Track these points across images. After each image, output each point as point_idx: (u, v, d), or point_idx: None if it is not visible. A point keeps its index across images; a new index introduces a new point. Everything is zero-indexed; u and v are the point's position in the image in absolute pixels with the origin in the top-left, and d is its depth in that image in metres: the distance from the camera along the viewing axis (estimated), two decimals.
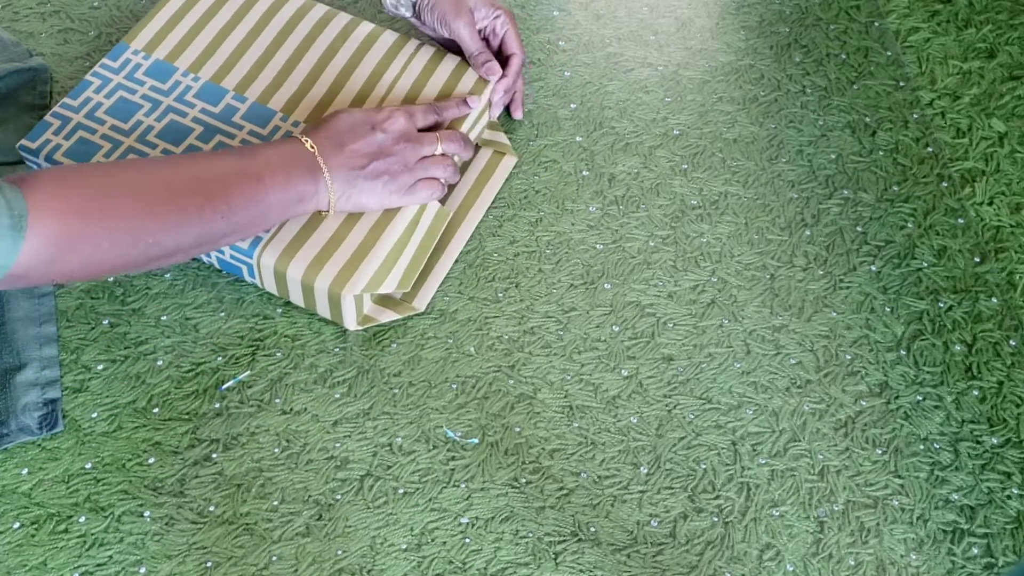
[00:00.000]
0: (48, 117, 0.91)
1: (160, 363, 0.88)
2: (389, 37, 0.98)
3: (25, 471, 0.83)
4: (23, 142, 0.90)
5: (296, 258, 0.85)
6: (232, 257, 0.87)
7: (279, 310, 0.90)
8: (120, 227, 0.73)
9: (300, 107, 0.93)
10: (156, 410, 0.86)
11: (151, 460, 0.83)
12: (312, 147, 0.83)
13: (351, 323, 0.88)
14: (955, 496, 0.84)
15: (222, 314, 0.90)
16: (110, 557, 0.79)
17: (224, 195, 0.77)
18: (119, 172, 0.76)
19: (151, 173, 0.76)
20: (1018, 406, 0.89)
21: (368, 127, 0.85)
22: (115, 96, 0.92)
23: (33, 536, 0.80)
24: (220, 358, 0.88)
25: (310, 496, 0.82)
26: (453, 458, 0.84)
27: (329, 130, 0.85)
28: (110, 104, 0.92)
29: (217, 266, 0.90)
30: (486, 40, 0.98)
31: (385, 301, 0.91)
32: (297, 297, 0.88)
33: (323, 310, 0.88)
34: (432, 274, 0.92)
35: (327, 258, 0.85)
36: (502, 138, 1.00)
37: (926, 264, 0.96)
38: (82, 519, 0.81)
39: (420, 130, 0.89)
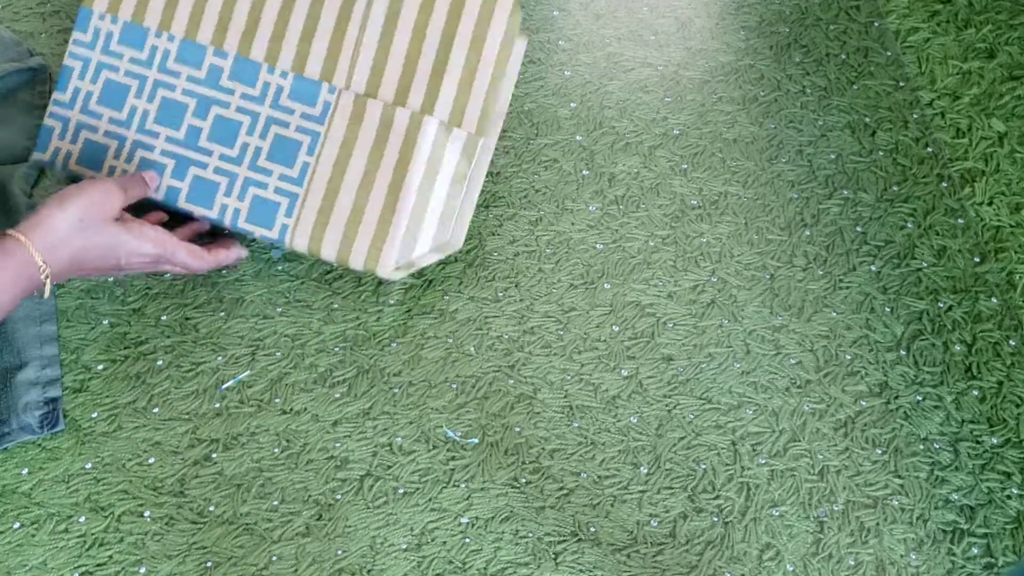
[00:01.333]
0: (47, 120, 0.90)
1: (160, 363, 0.88)
2: None
3: (25, 471, 0.83)
4: (36, 155, 0.90)
5: (326, 241, 0.87)
6: (262, 237, 0.88)
7: (279, 310, 0.90)
8: None
9: (283, 53, 0.90)
10: (156, 410, 0.86)
11: (151, 460, 0.83)
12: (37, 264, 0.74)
13: (388, 273, 0.88)
14: (955, 496, 0.84)
15: (222, 314, 0.90)
16: (110, 557, 0.79)
17: None
18: None
19: None
20: (1018, 406, 0.89)
21: (114, 260, 0.79)
22: (100, 79, 0.92)
23: (33, 536, 0.80)
24: (220, 358, 0.88)
25: (310, 496, 0.82)
26: (453, 458, 0.84)
27: (66, 246, 0.76)
28: (99, 90, 0.91)
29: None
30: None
31: None
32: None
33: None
34: (461, 210, 0.92)
35: (354, 236, 0.87)
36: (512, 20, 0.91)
37: (926, 264, 0.96)
38: (82, 519, 0.81)
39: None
